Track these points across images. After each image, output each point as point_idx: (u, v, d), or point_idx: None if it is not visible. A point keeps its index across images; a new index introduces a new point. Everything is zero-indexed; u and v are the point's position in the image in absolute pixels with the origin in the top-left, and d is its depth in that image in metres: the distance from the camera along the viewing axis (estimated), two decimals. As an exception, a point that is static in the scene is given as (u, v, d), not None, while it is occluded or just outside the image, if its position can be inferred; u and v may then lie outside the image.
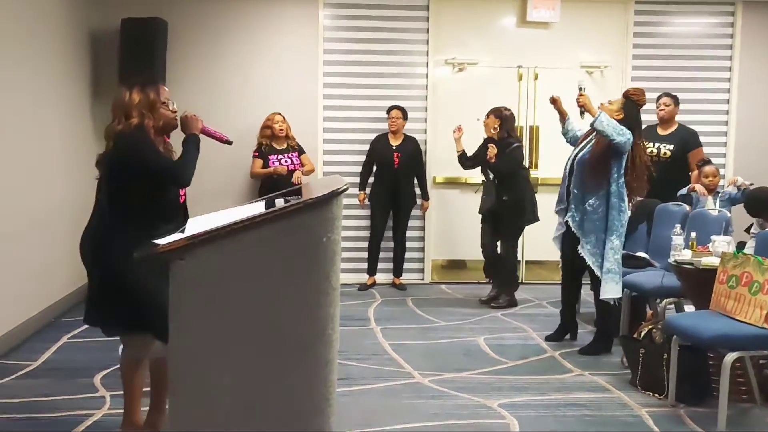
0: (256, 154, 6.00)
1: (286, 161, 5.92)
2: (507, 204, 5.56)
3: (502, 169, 5.56)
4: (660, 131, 5.58)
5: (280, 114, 5.97)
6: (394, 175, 6.14)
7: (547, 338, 4.80)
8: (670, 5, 6.66)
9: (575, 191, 4.46)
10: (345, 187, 2.09)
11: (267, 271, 1.97)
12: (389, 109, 6.18)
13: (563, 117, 4.76)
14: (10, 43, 4.52)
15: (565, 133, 4.79)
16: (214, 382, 1.98)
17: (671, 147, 5.45)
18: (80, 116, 5.79)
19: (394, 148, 6.16)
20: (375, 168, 6.28)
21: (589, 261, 4.40)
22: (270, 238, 1.96)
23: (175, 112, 3.05)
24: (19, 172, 4.63)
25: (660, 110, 5.56)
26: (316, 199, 2.00)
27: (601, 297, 4.37)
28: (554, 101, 4.76)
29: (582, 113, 4.48)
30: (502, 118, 5.60)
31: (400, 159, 6.14)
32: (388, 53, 6.51)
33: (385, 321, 5.27)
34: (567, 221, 4.50)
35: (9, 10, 4.52)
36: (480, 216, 5.86)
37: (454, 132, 5.81)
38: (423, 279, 6.67)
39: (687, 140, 5.55)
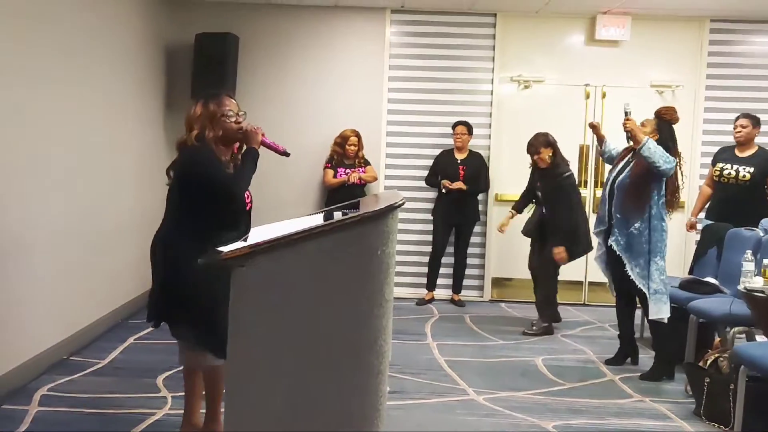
0: (328, 165, 6.17)
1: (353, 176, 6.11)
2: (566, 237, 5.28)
3: (561, 205, 5.26)
4: (738, 153, 5.29)
5: (355, 135, 6.11)
6: (458, 190, 6.12)
7: (607, 362, 4.69)
8: (747, 24, 6.48)
9: (618, 215, 4.39)
10: (401, 201, 2.11)
11: (323, 281, 2.00)
12: (455, 125, 6.19)
13: (601, 140, 4.73)
14: (91, 55, 4.75)
15: (602, 154, 4.77)
16: (269, 388, 2.01)
17: (751, 170, 5.16)
18: (154, 127, 6.03)
19: (459, 162, 6.16)
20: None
21: (640, 284, 4.31)
22: (327, 249, 1.99)
23: (240, 123, 3.11)
24: (96, 180, 4.85)
25: (737, 132, 5.27)
26: (373, 212, 2.04)
27: (650, 317, 4.30)
28: (594, 126, 4.76)
29: (628, 138, 4.39)
30: (554, 145, 5.33)
31: (465, 173, 6.13)
32: (454, 69, 6.53)
33: (442, 337, 5.25)
34: (611, 245, 4.41)
35: (90, 25, 4.75)
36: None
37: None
38: (482, 296, 6.63)
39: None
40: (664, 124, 4.34)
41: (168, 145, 6.15)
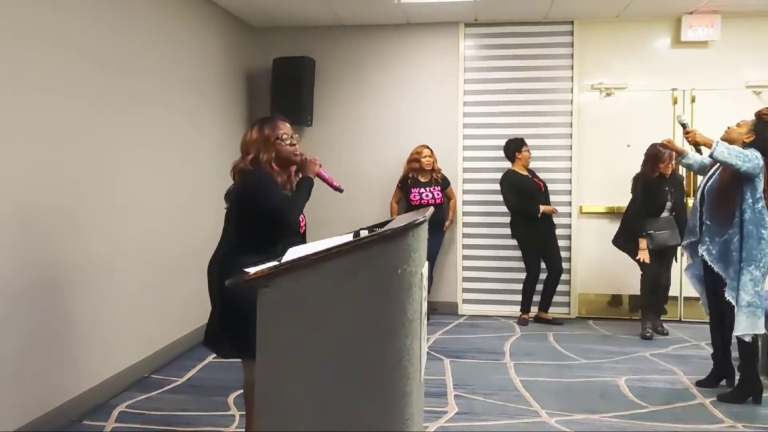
0: (399, 185, 6.12)
1: (427, 195, 5.97)
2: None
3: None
4: None
5: (428, 147, 6.03)
6: (541, 201, 5.96)
7: (698, 384, 4.39)
8: None
9: (708, 222, 4.11)
10: (422, 219, 2.07)
11: (343, 301, 1.98)
12: (523, 145, 6.06)
13: (680, 154, 4.44)
14: (174, 82, 5.00)
15: (688, 167, 4.48)
16: (296, 408, 2.01)
17: None
18: (235, 151, 6.15)
19: (530, 177, 6.05)
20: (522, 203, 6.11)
21: (728, 296, 4.01)
22: (347, 269, 1.97)
23: (294, 145, 3.16)
24: (178, 203, 5.07)
25: None
26: (390, 231, 2.00)
27: (735, 333, 3.97)
28: (667, 145, 4.50)
29: (698, 150, 4.17)
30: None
31: (544, 186, 6.03)
32: (531, 80, 6.38)
33: (521, 356, 5.08)
34: (702, 255, 4.13)
35: (174, 52, 5.00)
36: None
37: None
38: (569, 313, 6.39)
39: None
40: (764, 125, 4.06)
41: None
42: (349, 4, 5.83)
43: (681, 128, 4.35)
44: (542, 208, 5.90)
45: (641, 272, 5.58)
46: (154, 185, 4.69)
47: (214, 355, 4.95)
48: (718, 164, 4.14)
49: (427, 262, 2.36)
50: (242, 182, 3.03)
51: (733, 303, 3.98)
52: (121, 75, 4.22)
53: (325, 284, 2.00)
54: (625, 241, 5.60)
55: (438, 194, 6.02)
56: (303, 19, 6.30)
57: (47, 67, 3.52)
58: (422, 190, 5.99)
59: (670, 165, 5.45)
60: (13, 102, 3.27)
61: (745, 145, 4.02)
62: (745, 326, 3.93)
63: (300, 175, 3.16)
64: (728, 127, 4.16)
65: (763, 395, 4.07)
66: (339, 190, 3.30)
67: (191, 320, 5.26)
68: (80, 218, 3.83)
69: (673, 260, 5.69)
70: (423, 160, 5.97)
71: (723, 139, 4.12)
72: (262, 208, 2.96)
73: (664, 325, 5.78)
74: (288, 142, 3.12)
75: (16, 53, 3.28)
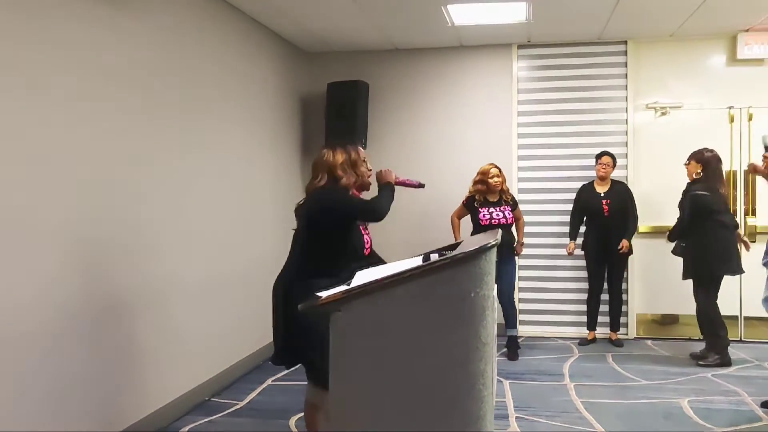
0: (465, 202, 5.75)
1: (498, 215, 5.59)
2: (687, 251, 5.34)
3: (682, 215, 5.41)
4: None
5: (496, 167, 5.65)
6: (605, 223, 5.93)
7: (764, 405, 4.32)
8: None
9: None
10: (495, 242, 2.10)
11: (417, 324, 2.01)
12: (600, 155, 5.99)
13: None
14: (232, 108, 5.14)
15: None
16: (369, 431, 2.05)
17: None
18: (290, 174, 6.35)
19: (602, 195, 5.97)
20: (585, 218, 6.11)
21: None
22: (419, 293, 1.99)
23: (371, 170, 3.28)
24: (235, 225, 5.18)
25: None
26: (463, 254, 2.02)
27: None
28: (753, 170, 4.46)
29: None
30: (704, 161, 5.32)
31: (609, 207, 5.93)
32: (585, 100, 6.39)
33: (580, 377, 5.06)
34: None
35: (232, 80, 5.14)
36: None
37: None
38: (627, 334, 6.33)
39: None
40: None
41: (303, 192, 6.44)
42: (403, 28, 5.93)
43: (763, 148, 4.28)
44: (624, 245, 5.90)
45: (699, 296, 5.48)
46: (212, 210, 4.78)
47: (274, 378, 5.09)
48: None
49: (496, 286, 2.39)
50: (318, 196, 3.11)
51: None
52: (178, 104, 4.32)
53: (398, 308, 2.01)
54: None
55: (509, 214, 5.63)
56: (356, 43, 6.44)
57: (99, 99, 3.55)
58: (492, 209, 5.60)
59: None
60: (69, 133, 3.32)
61: None
62: None
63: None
64: None
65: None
66: (421, 186, 3.42)
67: (249, 343, 5.36)
68: (139, 246, 3.88)
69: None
70: (490, 181, 5.58)
71: None
72: (347, 214, 3.07)
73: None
74: (369, 167, 3.25)
75: (75, 88, 3.34)
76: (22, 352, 2.99)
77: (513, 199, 5.77)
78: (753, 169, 4.49)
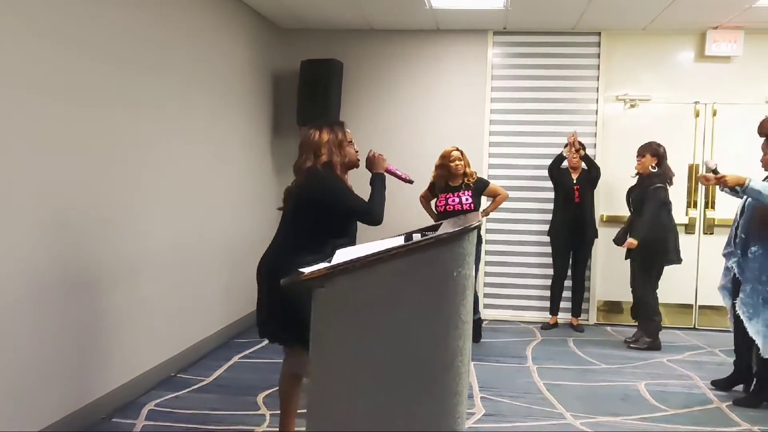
0: (429, 187, 5.62)
1: (453, 200, 5.36)
2: (640, 243, 5.42)
3: (641, 210, 5.48)
4: None
5: (458, 149, 5.45)
6: (574, 209, 6.05)
7: (713, 383, 4.55)
8: None
9: (742, 236, 4.22)
10: (477, 223, 2.15)
11: (400, 302, 2.04)
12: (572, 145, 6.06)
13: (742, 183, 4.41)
14: (202, 83, 5.05)
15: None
16: (348, 407, 2.05)
17: None
18: (261, 153, 6.31)
19: (574, 181, 6.07)
20: (555, 200, 6.21)
21: (740, 311, 4.13)
22: (403, 271, 2.02)
23: (357, 151, 3.27)
24: (204, 203, 5.11)
25: None
26: (447, 234, 2.06)
27: (764, 354, 4.05)
28: (705, 180, 4.46)
29: (735, 193, 4.25)
30: (659, 156, 5.50)
31: (580, 192, 6.04)
32: (557, 89, 6.50)
33: (543, 360, 5.20)
34: (732, 266, 4.25)
35: (202, 54, 5.05)
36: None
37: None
38: (588, 320, 6.50)
39: None
40: None
41: (275, 168, 6.44)
42: (380, 8, 5.93)
43: (710, 170, 4.39)
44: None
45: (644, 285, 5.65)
46: (181, 186, 4.70)
47: (241, 355, 5.08)
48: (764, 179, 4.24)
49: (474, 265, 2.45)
50: (312, 182, 3.06)
51: (746, 323, 4.11)
52: (147, 76, 4.22)
53: (382, 285, 2.04)
54: None
55: (468, 200, 5.34)
56: (332, 21, 6.41)
57: (70, 71, 3.47)
58: (449, 195, 5.38)
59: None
60: (40, 107, 3.26)
61: None
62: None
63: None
64: (761, 160, 4.24)
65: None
66: (409, 181, 3.41)
67: (217, 320, 5.35)
68: (108, 220, 3.83)
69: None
70: (451, 165, 5.37)
71: (764, 168, 4.22)
72: (340, 209, 3.03)
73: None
74: (355, 148, 3.24)
75: (41, 58, 3.26)
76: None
77: (479, 180, 5.49)
78: (705, 180, 4.57)
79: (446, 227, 2.36)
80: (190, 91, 4.84)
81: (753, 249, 4.11)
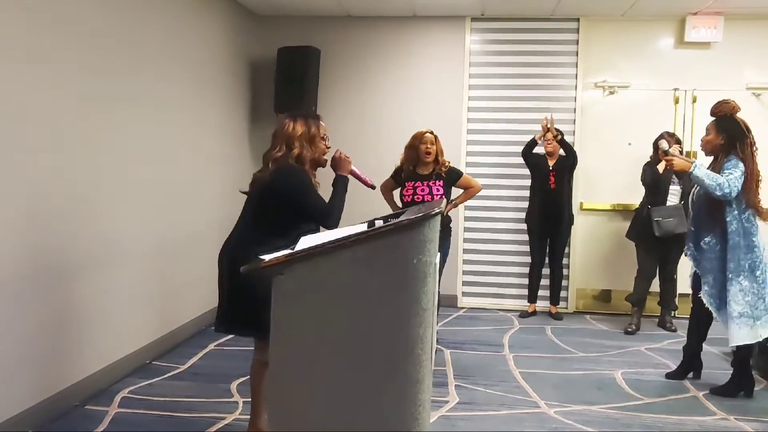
0: (393, 174, 5.02)
1: (423, 190, 4.73)
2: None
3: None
4: None
5: (431, 133, 4.85)
6: (550, 196, 6.00)
7: (668, 375, 4.53)
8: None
9: (692, 228, 4.22)
10: (438, 211, 2.11)
11: (359, 289, 2.03)
12: (546, 130, 5.99)
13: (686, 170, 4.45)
14: (178, 69, 4.99)
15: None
16: (309, 393, 2.06)
17: None
18: (239, 140, 6.25)
19: (550, 167, 6.00)
20: (530, 187, 6.16)
21: (706, 302, 4.11)
22: (363, 258, 2.01)
23: (329, 148, 3.24)
24: (181, 191, 5.08)
25: None
26: (407, 221, 2.04)
27: (731, 344, 4.04)
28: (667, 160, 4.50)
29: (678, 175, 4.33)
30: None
31: (556, 179, 5.98)
32: (536, 76, 6.43)
33: (520, 348, 5.16)
34: (688, 258, 4.27)
35: (178, 40, 4.99)
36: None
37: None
38: (567, 308, 6.47)
39: None
40: (725, 119, 4.08)
41: (252, 156, 6.35)
42: (357, -5, 5.85)
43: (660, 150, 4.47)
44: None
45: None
46: (156, 173, 4.67)
47: (216, 343, 5.05)
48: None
49: (439, 253, 2.41)
50: (280, 175, 3.04)
51: (714, 314, 4.10)
52: (121, 64, 4.18)
53: (341, 272, 2.03)
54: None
55: (438, 190, 4.74)
56: (309, 8, 6.33)
57: (47, 55, 3.45)
58: (417, 184, 4.75)
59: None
60: (14, 92, 3.23)
61: (723, 149, 4.06)
62: (739, 336, 3.98)
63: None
64: (701, 140, 4.23)
65: (755, 389, 4.18)
66: (372, 186, 3.41)
67: (193, 308, 5.31)
68: (82, 207, 3.81)
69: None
70: (421, 147, 4.76)
71: (704, 150, 4.21)
72: (301, 207, 3.00)
73: (674, 321, 5.87)
74: (327, 143, 3.20)
75: (14, 45, 3.22)
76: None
77: (451, 170, 4.86)
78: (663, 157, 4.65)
79: (408, 214, 2.33)
80: (165, 78, 4.78)
81: (706, 240, 4.09)
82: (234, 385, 4.18)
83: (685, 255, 4.35)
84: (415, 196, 4.71)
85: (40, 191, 3.44)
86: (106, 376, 4.07)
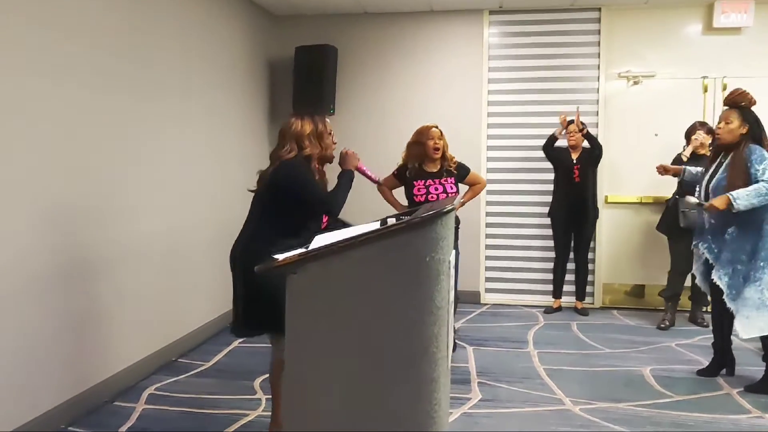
0: (396, 173, 4.75)
1: (436, 189, 4.53)
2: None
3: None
4: None
5: (437, 127, 4.64)
6: (574, 189, 5.87)
7: (699, 373, 4.38)
8: None
9: (713, 221, 4.06)
10: (450, 208, 2.07)
11: (372, 288, 1.99)
12: (567, 124, 5.87)
13: (678, 174, 4.61)
14: (197, 70, 5.01)
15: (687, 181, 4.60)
16: (324, 392, 2.03)
17: None
18: (257, 140, 6.25)
19: (574, 161, 5.87)
20: (554, 180, 6.04)
21: (726, 292, 3.97)
22: (375, 256, 1.98)
23: (335, 143, 3.25)
24: (204, 190, 5.11)
25: None
26: (419, 219, 2.00)
27: (752, 335, 3.91)
28: (664, 170, 4.64)
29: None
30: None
31: (580, 172, 5.85)
32: (556, 68, 6.31)
33: (544, 345, 5.06)
34: (703, 253, 4.12)
35: (197, 41, 5.01)
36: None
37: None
38: (593, 303, 6.35)
39: None
40: (746, 111, 3.98)
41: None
42: (374, -10, 5.79)
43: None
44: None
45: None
46: (179, 173, 4.72)
47: (240, 340, 5.04)
48: (718, 160, 4.11)
49: (453, 251, 2.35)
50: (284, 170, 3.06)
51: (730, 305, 3.96)
52: (141, 64, 4.22)
53: (353, 271, 2.00)
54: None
55: (452, 188, 4.56)
56: (325, 6, 6.29)
57: (67, 60, 3.50)
58: (429, 183, 4.53)
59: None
60: (32, 98, 3.27)
61: (744, 139, 3.95)
62: (761, 327, 3.86)
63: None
64: (717, 130, 4.10)
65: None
66: (377, 182, 3.42)
67: (217, 306, 5.32)
68: (109, 208, 3.89)
69: None
70: (429, 143, 4.53)
71: (720, 144, 4.08)
72: (304, 200, 3.02)
73: (706, 316, 5.64)
74: (333, 140, 3.23)
75: (36, 45, 3.27)
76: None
77: (460, 166, 4.66)
78: (663, 170, 4.62)
79: (421, 212, 2.29)
80: (184, 79, 4.81)
81: (730, 230, 3.96)
82: (257, 382, 4.19)
83: (696, 247, 4.22)
84: (429, 196, 4.51)
85: (61, 193, 3.49)
86: (133, 373, 4.15)
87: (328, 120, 3.24)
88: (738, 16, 5.97)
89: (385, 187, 4.64)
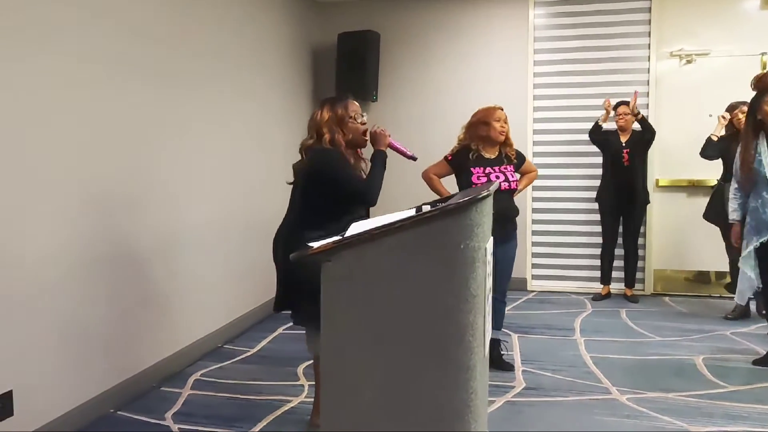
0: (450, 158, 4.19)
1: (497, 177, 3.98)
2: None
3: None
4: None
5: (502, 110, 4.12)
6: (624, 174, 5.73)
7: (755, 362, 4.22)
8: None
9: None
10: (486, 194, 2.02)
11: (406, 275, 1.97)
12: (617, 106, 5.75)
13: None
14: (243, 59, 5.05)
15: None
16: (360, 380, 2.03)
17: None
18: (302, 125, 6.17)
19: (623, 144, 5.72)
20: (603, 164, 5.90)
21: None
22: (409, 244, 1.96)
23: (365, 124, 3.18)
24: (248, 178, 5.17)
25: None
26: (454, 205, 1.97)
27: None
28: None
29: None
30: None
31: (629, 155, 5.70)
32: (605, 49, 6.14)
33: (591, 332, 4.95)
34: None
35: (243, 30, 5.04)
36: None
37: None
38: (643, 290, 6.19)
39: None
40: None
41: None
42: (417, -26, 5.72)
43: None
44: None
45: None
46: (224, 162, 4.77)
47: (285, 327, 5.09)
48: (759, 139, 3.95)
49: (491, 238, 2.30)
50: (314, 160, 3.03)
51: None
52: (184, 53, 4.26)
53: (388, 259, 1.99)
54: None
55: (513, 177, 4.06)
56: (369, -9, 6.26)
57: (118, 52, 3.57)
58: (489, 170, 3.99)
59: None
60: (81, 87, 3.32)
61: None
62: None
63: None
64: (765, 110, 3.91)
65: None
66: (413, 158, 3.28)
67: (263, 292, 5.34)
68: (156, 197, 3.95)
69: None
70: (495, 125, 4.01)
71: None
72: (338, 187, 2.98)
73: None
74: (360, 121, 3.14)
75: (79, 35, 3.30)
76: (50, 299, 3.14)
77: (519, 154, 4.22)
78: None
79: (458, 198, 2.25)
80: (227, 67, 4.85)
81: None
82: (300, 369, 4.21)
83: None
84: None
85: (113, 181, 3.57)
86: (180, 359, 4.22)
87: (355, 103, 3.16)
88: (800, -13, 5.70)
89: (432, 175, 4.17)
